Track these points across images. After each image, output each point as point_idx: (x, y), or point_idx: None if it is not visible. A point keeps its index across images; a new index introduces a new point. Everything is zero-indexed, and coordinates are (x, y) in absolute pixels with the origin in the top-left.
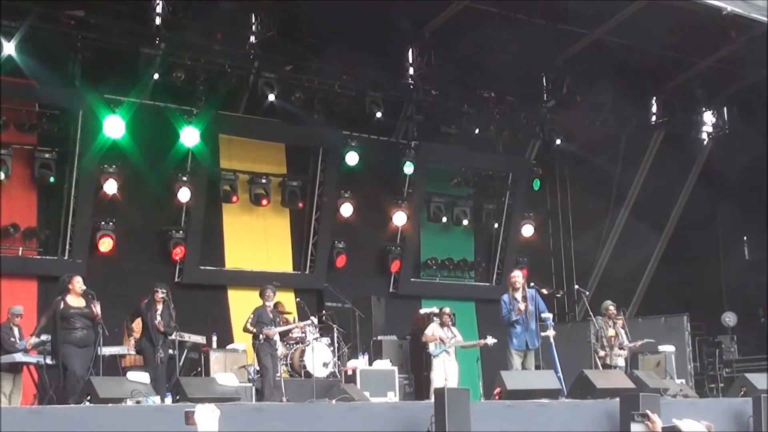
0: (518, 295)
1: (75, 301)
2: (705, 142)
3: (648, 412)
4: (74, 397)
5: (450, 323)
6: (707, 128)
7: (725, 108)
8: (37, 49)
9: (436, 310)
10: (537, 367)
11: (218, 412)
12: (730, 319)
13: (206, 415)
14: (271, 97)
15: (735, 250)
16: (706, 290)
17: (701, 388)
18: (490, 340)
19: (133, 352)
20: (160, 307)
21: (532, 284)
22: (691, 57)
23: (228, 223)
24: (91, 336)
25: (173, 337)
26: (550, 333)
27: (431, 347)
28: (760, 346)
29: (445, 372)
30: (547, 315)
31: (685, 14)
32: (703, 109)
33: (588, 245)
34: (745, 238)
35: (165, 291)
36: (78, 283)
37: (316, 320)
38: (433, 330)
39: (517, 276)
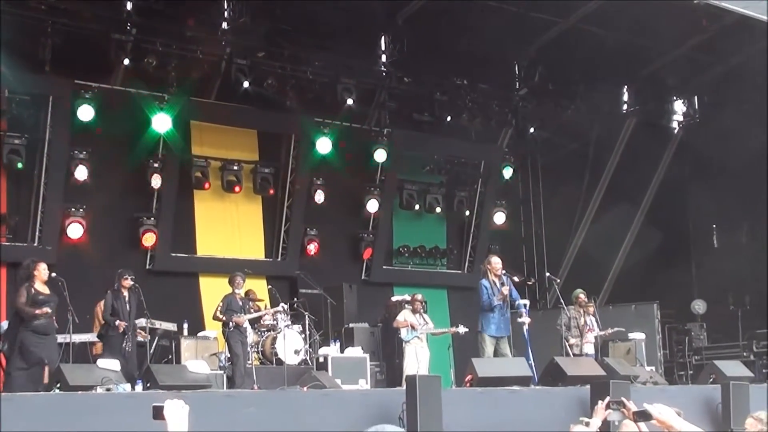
0: (497, 281)
1: (41, 288)
2: (676, 131)
3: (623, 399)
4: (36, 386)
5: (422, 310)
6: (678, 117)
7: (696, 97)
8: (7, 34)
9: (408, 297)
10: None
11: (188, 407)
12: (699, 306)
13: (176, 411)
14: (245, 84)
15: (705, 238)
16: (676, 278)
17: (671, 375)
18: (462, 329)
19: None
20: (127, 293)
21: (504, 271)
22: (663, 46)
23: (200, 209)
24: (53, 325)
25: (144, 324)
26: (526, 320)
27: (402, 333)
28: (729, 334)
29: (417, 359)
30: (523, 301)
31: (656, 3)
32: (674, 97)
33: (559, 233)
34: (714, 226)
35: (132, 277)
36: (44, 270)
37: (287, 307)
38: (405, 316)
39: (497, 262)
